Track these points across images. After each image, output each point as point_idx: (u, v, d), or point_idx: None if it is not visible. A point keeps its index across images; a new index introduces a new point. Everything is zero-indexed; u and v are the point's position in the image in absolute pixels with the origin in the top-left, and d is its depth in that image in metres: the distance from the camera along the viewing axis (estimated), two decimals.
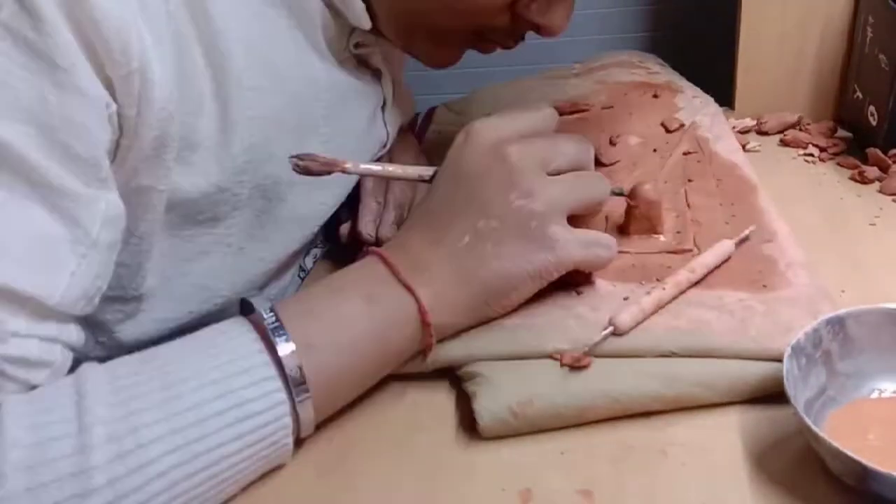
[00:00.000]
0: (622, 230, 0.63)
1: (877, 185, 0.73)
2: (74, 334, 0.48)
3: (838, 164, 0.78)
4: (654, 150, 0.76)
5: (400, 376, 0.55)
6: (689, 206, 0.66)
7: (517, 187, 0.51)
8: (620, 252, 0.58)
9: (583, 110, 0.85)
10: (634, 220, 0.62)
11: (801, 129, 0.84)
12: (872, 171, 0.73)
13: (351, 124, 0.66)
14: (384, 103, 0.73)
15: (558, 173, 0.54)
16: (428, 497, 0.48)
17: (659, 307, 0.53)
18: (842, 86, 0.86)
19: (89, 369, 0.44)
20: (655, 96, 0.85)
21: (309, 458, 0.51)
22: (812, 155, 0.79)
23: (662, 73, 0.93)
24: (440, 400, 0.55)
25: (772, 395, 0.50)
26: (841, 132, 0.83)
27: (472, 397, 0.51)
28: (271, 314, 0.48)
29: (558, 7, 0.61)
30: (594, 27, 1.27)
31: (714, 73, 0.92)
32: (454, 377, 0.55)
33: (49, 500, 0.39)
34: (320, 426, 0.53)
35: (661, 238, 0.62)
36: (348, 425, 0.53)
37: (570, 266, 0.53)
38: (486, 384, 0.51)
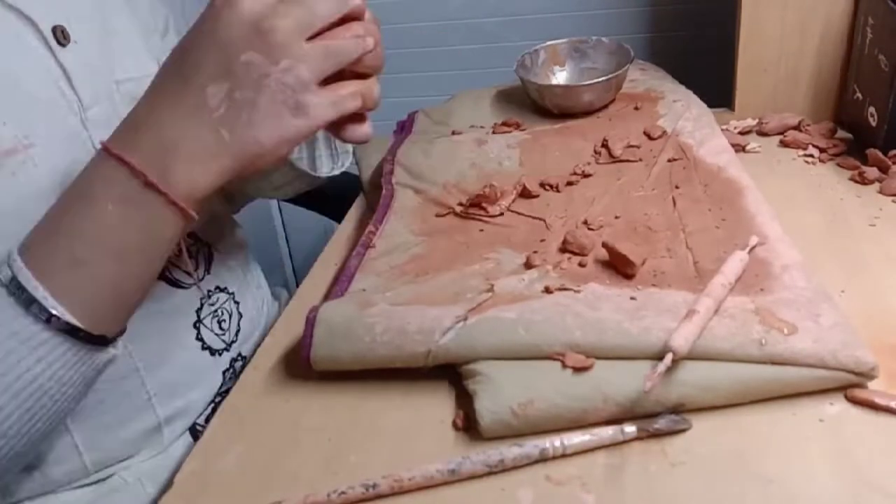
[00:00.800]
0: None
1: (877, 185, 0.73)
2: None
3: (838, 164, 0.78)
4: (640, 160, 0.76)
5: (401, 375, 0.55)
6: (678, 213, 0.66)
7: (275, 60, 0.51)
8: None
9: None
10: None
11: (801, 131, 0.84)
12: (872, 172, 0.73)
13: None
14: None
15: (319, 33, 0.53)
16: (427, 497, 0.48)
17: (706, 324, 0.53)
18: (842, 86, 0.86)
19: None
20: (637, 108, 0.87)
21: (309, 456, 0.51)
22: (812, 156, 0.79)
23: (641, 80, 0.93)
24: (441, 399, 0.55)
25: (774, 397, 0.50)
26: (841, 133, 0.83)
27: (473, 396, 0.51)
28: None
29: None
30: (592, 28, 1.27)
31: (714, 73, 0.92)
32: (455, 375, 0.55)
33: None
34: (320, 426, 0.53)
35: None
36: (348, 425, 0.54)
37: (321, 126, 0.54)
38: (488, 383, 0.51)
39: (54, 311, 0.49)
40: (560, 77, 0.96)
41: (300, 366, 0.57)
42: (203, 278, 0.71)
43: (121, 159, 0.50)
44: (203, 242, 0.71)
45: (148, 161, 0.51)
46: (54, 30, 0.62)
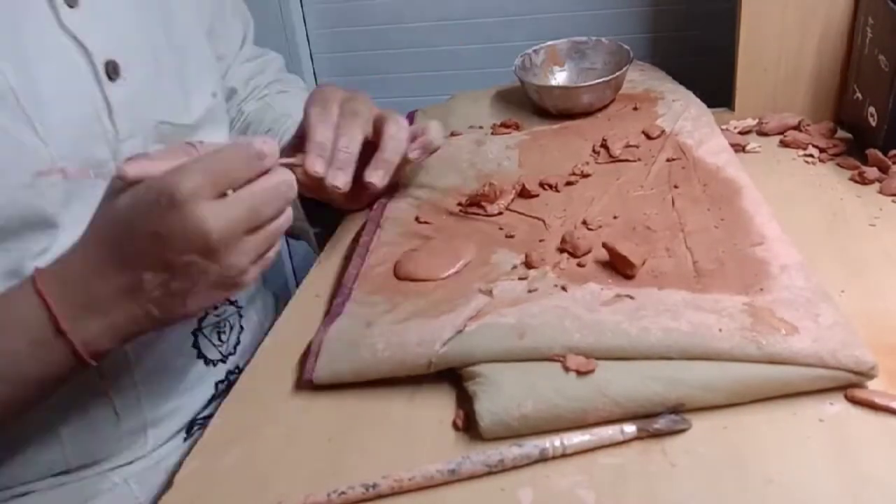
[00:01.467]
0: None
1: (876, 185, 0.73)
2: None
3: (838, 164, 0.77)
4: (639, 160, 0.76)
5: (402, 378, 0.55)
6: (677, 213, 0.66)
7: (216, 260, 0.52)
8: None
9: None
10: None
11: (801, 131, 0.84)
12: (872, 172, 0.73)
13: (15, 39, 0.60)
14: (56, 11, 0.62)
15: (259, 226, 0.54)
16: (427, 497, 0.48)
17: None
18: (841, 86, 0.86)
19: None
20: (636, 108, 0.87)
21: (308, 456, 0.51)
22: (812, 156, 0.79)
23: (640, 80, 0.93)
24: (441, 400, 0.55)
25: (774, 397, 0.50)
26: (841, 133, 0.83)
27: (473, 397, 0.51)
28: None
29: None
30: (592, 28, 1.27)
31: (714, 73, 0.92)
32: (455, 377, 0.55)
33: None
34: (320, 426, 0.53)
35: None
36: (348, 425, 0.54)
37: (244, 289, 0.56)
38: (488, 385, 0.51)
39: None
40: (559, 77, 0.95)
41: (302, 377, 0.57)
42: None
43: (44, 300, 0.52)
44: None
45: (67, 311, 0.52)
46: (107, 64, 0.64)
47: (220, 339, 0.74)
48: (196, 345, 0.72)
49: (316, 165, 0.65)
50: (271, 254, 0.56)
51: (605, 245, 0.60)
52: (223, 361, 0.74)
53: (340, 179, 0.66)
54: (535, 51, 0.95)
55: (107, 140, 0.63)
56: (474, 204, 0.72)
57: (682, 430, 0.49)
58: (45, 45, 0.61)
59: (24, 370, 0.53)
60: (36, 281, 0.53)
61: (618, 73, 0.86)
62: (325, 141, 0.67)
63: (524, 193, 0.74)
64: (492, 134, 0.87)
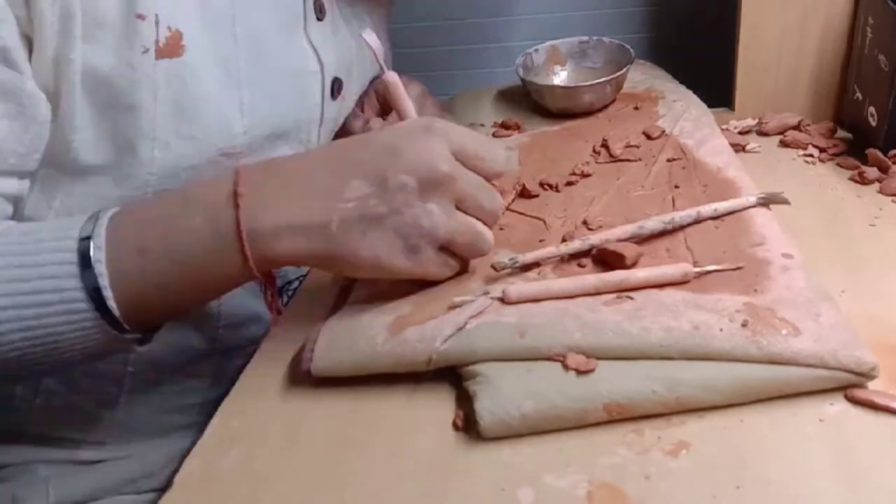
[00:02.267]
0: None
1: (877, 185, 0.73)
2: (14, 186, 0.55)
3: (838, 164, 0.78)
4: (640, 160, 0.76)
5: (401, 376, 0.55)
6: (677, 212, 0.66)
7: (426, 199, 0.53)
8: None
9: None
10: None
11: (801, 130, 0.84)
12: (872, 172, 0.73)
13: (260, 27, 0.63)
14: (305, 18, 0.67)
15: (465, 210, 0.56)
16: (427, 497, 0.48)
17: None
18: (842, 86, 0.86)
19: None
20: (636, 108, 0.87)
21: (308, 456, 0.51)
22: (812, 156, 0.79)
23: (641, 80, 0.94)
24: (441, 399, 0.55)
25: (774, 398, 0.50)
26: (841, 133, 0.83)
27: (473, 397, 0.51)
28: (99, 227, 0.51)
29: None
30: (592, 28, 1.27)
31: (714, 73, 0.92)
32: (455, 376, 0.55)
33: None
34: (320, 426, 0.53)
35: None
36: (347, 425, 0.54)
37: (417, 276, 0.57)
38: (488, 384, 0.51)
39: (103, 287, 0.50)
40: (561, 77, 0.96)
41: (299, 367, 0.57)
42: None
43: (235, 190, 0.52)
44: None
45: (253, 207, 0.52)
46: (334, 81, 0.67)
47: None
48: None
49: None
50: (454, 263, 0.57)
51: (599, 249, 0.60)
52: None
53: None
54: (536, 50, 0.95)
55: (303, 146, 0.66)
56: None
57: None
58: (285, 42, 0.64)
59: (190, 251, 0.52)
60: (237, 171, 0.53)
61: (619, 73, 0.86)
62: None
63: (524, 193, 0.74)
64: (493, 135, 0.87)
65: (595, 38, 0.95)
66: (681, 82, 0.92)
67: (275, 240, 0.52)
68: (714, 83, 0.91)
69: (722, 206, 0.63)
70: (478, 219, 0.56)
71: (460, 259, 0.58)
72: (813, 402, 0.50)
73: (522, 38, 1.26)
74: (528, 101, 0.92)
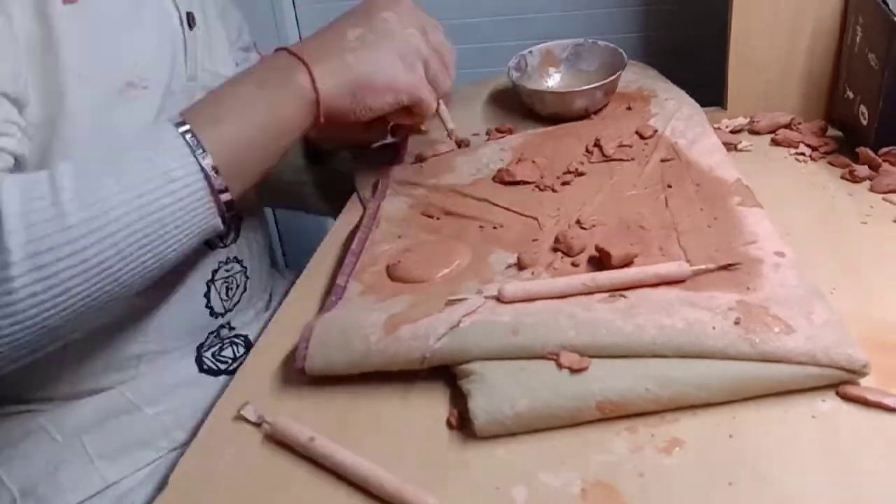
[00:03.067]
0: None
1: (867, 183, 0.73)
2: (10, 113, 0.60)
3: (829, 163, 0.78)
4: (633, 159, 0.76)
5: (396, 375, 0.55)
6: (670, 212, 0.67)
7: (405, 25, 0.72)
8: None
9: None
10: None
11: (792, 129, 0.84)
12: (863, 170, 0.74)
13: None
14: None
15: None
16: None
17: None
18: (833, 85, 0.86)
19: (61, 163, 0.56)
20: (629, 108, 0.87)
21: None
22: (803, 154, 0.80)
23: (633, 79, 0.94)
24: (436, 398, 0.55)
25: (767, 395, 0.50)
26: (832, 131, 0.84)
27: (467, 396, 0.51)
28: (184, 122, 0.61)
29: None
30: (584, 27, 1.28)
31: (706, 72, 0.92)
32: (450, 375, 0.55)
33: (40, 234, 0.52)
34: (314, 425, 0.53)
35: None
36: (341, 424, 0.54)
37: (415, 97, 0.72)
38: (482, 383, 0.51)
39: (202, 151, 0.59)
40: (554, 80, 0.95)
41: (293, 366, 0.57)
42: (228, 245, 0.79)
43: (291, 52, 0.68)
44: (237, 216, 0.75)
45: (305, 56, 0.67)
46: (188, 14, 0.76)
47: (227, 295, 0.79)
48: (207, 294, 0.76)
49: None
50: (442, 76, 0.75)
51: (597, 248, 0.61)
52: (223, 315, 0.79)
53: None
54: (529, 52, 0.95)
55: (179, 76, 0.73)
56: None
57: None
58: None
59: (258, 111, 0.65)
60: (284, 48, 0.69)
61: (611, 78, 0.86)
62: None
63: (502, 180, 0.77)
64: (487, 141, 0.87)
65: (589, 40, 0.95)
66: (673, 81, 0.92)
67: (321, 80, 0.67)
68: (706, 82, 0.91)
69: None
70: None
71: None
72: (805, 400, 0.50)
73: (516, 37, 1.27)
74: (520, 103, 0.92)
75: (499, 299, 0.57)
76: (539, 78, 0.95)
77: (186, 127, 0.60)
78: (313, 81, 0.66)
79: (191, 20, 0.75)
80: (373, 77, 0.69)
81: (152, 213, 0.57)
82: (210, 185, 0.59)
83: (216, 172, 0.60)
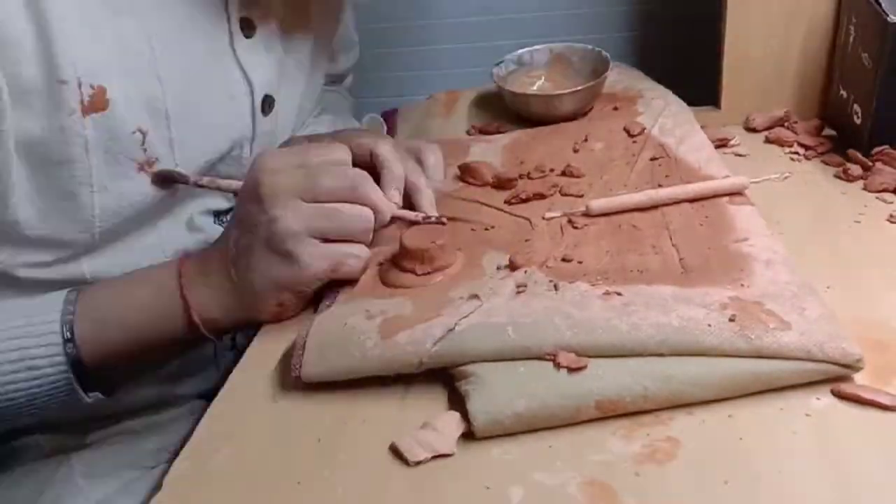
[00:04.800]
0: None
1: (861, 182, 0.73)
2: None
3: (824, 161, 0.78)
4: (622, 158, 0.76)
5: (394, 377, 0.55)
6: (661, 211, 0.67)
7: (266, 211, 0.58)
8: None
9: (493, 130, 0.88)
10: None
11: (788, 128, 0.84)
12: (857, 169, 0.74)
13: (184, 61, 0.64)
14: (232, 36, 0.67)
15: (318, 202, 0.60)
16: (417, 497, 0.48)
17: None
18: (826, 85, 0.86)
19: None
20: (615, 108, 0.87)
21: (299, 456, 0.51)
22: (797, 153, 0.80)
23: (618, 80, 0.93)
24: (433, 400, 0.55)
25: (763, 391, 0.50)
26: (828, 130, 0.84)
27: (465, 397, 0.51)
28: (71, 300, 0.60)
29: None
30: (578, 27, 1.28)
31: (700, 72, 0.92)
32: (447, 377, 0.55)
33: None
34: (310, 426, 0.53)
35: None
36: (338, 424, 0.54)
37: (314, 277, 0.60)
38: (480, 384, 0.51)
39: (76, 344, 0.58)
40: (539, 83, 0.95)
41: (289, 367, 0.57)
42: None
43: (179, 265, 0.62)
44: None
45: (190, 274, 0.61)
46: (265, 99, 0.68)
47: None
48: None
49: (395, 198, 0.68)
50: (345, 251, 0.60)
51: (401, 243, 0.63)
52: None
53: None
54: (514, 56, 0.94)
55: (239, 165, 0.69)
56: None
57: None
58: (212, 68, 0.65)
59: (145, 320, 0.61)
60: (181, 256, 0.64)
61: (597, 81, 0.86)
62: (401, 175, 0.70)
63: (499, 185, 0.75)
64: (471, 137, 0.86)
65: (574, 43, 0.94)
66: (667, 81, 0.92)
67: (206, 304, 0.61)
68: (700, 82, 0.91)
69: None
70: (337, 202, 0.60)
71: (354, 242, 0.62)
72: (800, 397, 0.50)
73: (505, 37, 1.26)
74: (505, 107, 0.92)
75: (587, 214, 0.66)
76: (524, 82, 0.94)
77: (70, 314, 0.59)
78: (188, 312, 0.61)
79: (267, 105, 0.69)
80: (251, 287, 0.60)
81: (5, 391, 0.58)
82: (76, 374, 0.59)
83: (81, 369, 0.59)
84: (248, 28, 0.67)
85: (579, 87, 0.86)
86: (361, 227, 0.61)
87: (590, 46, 0.93)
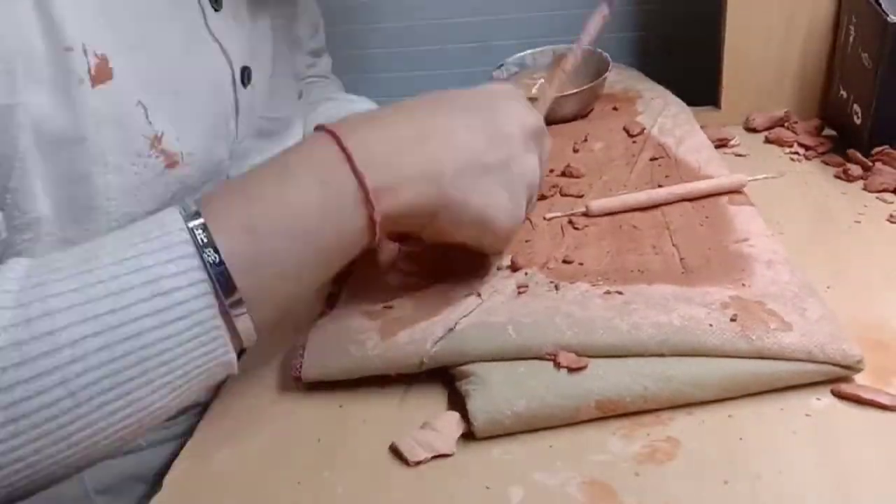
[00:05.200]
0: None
1: (861, 182, 0.73)
2: None
3: (824, 161, 0.78)
4: (621, 158, 0.76)
5: (394, 377, 0.55)
6: (661, 211, 0.67)
7: (525, 147, 0.55)
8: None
9: None
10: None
11: (788, 128, 0.84)
12: (857, 169, 0.74)
13: (166, 38, 0.61)
14: (203, 13, 0.63)
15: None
16: (417, 497, 0.48)
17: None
18: (827, 85, 0.86)
19: (13, 259, 0.44)
20: (615, 108, 0.87)
21: (298, 457, 0.51)
22: (798, 153, 0.80)
23: (617, 80, 0.94)
24: (433, 400, 0.55)
25: (761, 393, 0.50)
26: (828, 130, 0.84)
27: (465, 397, 0.51)
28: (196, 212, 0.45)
29: None
30: (577, 27, 1.27)
31: (700, 72, 0.92)
32: (447, 376, 0.55)
33: None
34: (309, 426, 0.53)
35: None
36: (337, 425, 0.54)
37: (509, 231, 0.55)
38: (480, 384, 0.51)
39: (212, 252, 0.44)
40: (539, 85, 0.94)
41: (288, 367, 0.57)
42: None
43: (344, 150, 0.48)
44: None
45: (366, 164, 0.48)
46: (243, 70, 0.66)
47: None
48: None
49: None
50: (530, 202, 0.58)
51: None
52: None
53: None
54: (516, 59, 0.94)
55: (227, 141, 0.65)
56: None
57: None
58: (191, 43, 0.63)
59: (303, 223, 0.48)
60: (338, 138, 0.49)
61: (595, 83, 0.86)
62: None
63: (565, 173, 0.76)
64: None
65: (574, 46, 0.94)
66: (667, 81, 0.93)
67: (393, 194, 0.49)
68: (700, 82, 0.91)
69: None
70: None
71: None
72: (800, 397, 0.50)
73: (508, 37, 1.26)
74: None
75: (587, 214, 0.66)
76: (525, 84, 0.94)
77: (200, 220, 0.44)
78: (371, 217, 0.49)
79: (246, 76, 0.66)
80: (465, 205, 0.52)
81: (126, 339, 0.41)
82: (220, 300, 0.44)
83: (230, 289, 0.44)
84: (215, 1, 0.65)
85: (579, 89, 0.86)
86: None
87: (591, 48, 0.93)
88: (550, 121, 0.86)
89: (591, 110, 0.89)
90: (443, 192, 0.51)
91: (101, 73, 0.55)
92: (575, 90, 0.86)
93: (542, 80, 0.95)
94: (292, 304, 0.50)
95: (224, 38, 0.65)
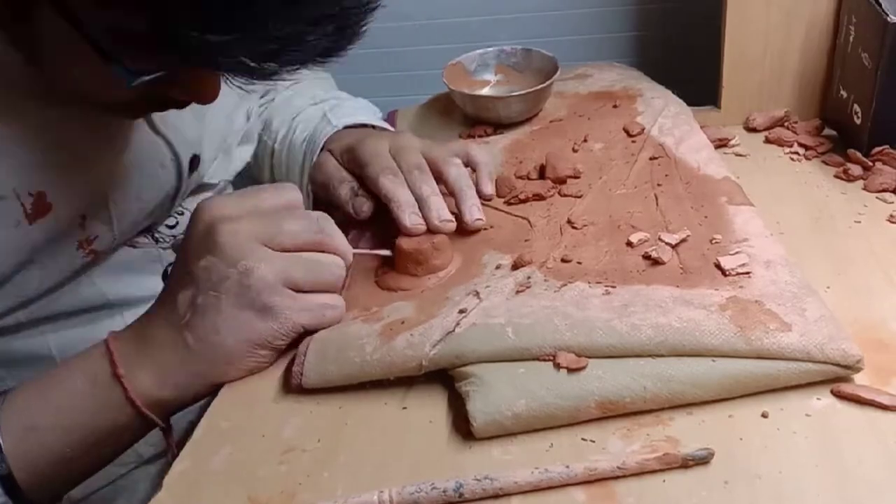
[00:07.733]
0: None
1: (861, 182, 0.73)
2: None
3: (824, 162, 0.78)
4: (621, 158, 0.76)
5: (394, 379, 0.55)
6: (660, 211, 0.67)
7: (233, 263, 0.53)
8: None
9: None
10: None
11: (788, 128, 0.84)
12: (857, 169, 0.74)
13: (109, 147, 0.62)
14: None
15: (285, 250, 0.56)
16: None
17: None
18: (827, 85, 0.86)
19: None
20: (615, 106, 0.87)
21: (298, 458, 0.51)
22: (797, 153, 0.80)
23: (617, 79, 0.93)
24: (433, 401, 0.55)
25: (761, 393, 0.50)
26: (828, 130, 0.84)
27: (465, 398, 0.51)
28: None
29: (207, 83, 0.55)
30: (578, 27, 1.28)
31: (700, 72, 0.92)
32: (447, 377, 0.55)
33: None
34: (309, 427, 0.53)
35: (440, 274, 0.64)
36: (338, 426, 0.53)
37: (295, 331, 0.56)
38: (480, 385, 0.51)
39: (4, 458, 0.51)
40: (491, 87, 0.94)
41: (287, 369, 0.57)
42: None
43: (108, 345, 0.55)
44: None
45: (125, 354, 0.54)
46: (192, 159, 0.66)
47: None
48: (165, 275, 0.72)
49: (415, 222, 0.65)
50: (321, 302, 0.57)
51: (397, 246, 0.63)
52: None
53: (449, 220, 0.66)
54: (465, 58, 0.93)
55: (161, 211, 0.67)
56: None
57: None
58: (138, 145, 0.63)
59: (78, 416, 0.54)
60: (108, 336, 0.56)
61: (541, 86, 0.85)
62: (410, 200, 0.66)
63: (558, 179, 0.74)
64: (471, 139, 0.86)
65: (521, 48, 0.93)
66: (667, 81, 0.92)
67: (153, 381, 0.55)
68: (700, 81, 0.91)
69: None
70: (298, 250, 0.56)
71: (328, 292, 0.58)
72: (799, 398, 0.50)
73: (506, 37, 1.26)
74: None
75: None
76: (474, 83, 0.93)
77: None
78: (130, 398, 0.54)
79: (194, 164, 0.67)
80: (222, 348, 0.54)
81: None
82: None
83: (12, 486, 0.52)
84: None
85: (524, 91, 0.85)
86: (336, 276, 0.58)
87: (537, 50, 0.92)
88: (496, 121, 0.86)
89: (538, 113, 0.89)
90: (197, 360, 0.55)
91: (40, 209, 0.57)
92: (522, 91, 0.85)
93: (495, 81, 0.94)
94: (86, 472, 0.57)
95: (170, 133, 0.65)
